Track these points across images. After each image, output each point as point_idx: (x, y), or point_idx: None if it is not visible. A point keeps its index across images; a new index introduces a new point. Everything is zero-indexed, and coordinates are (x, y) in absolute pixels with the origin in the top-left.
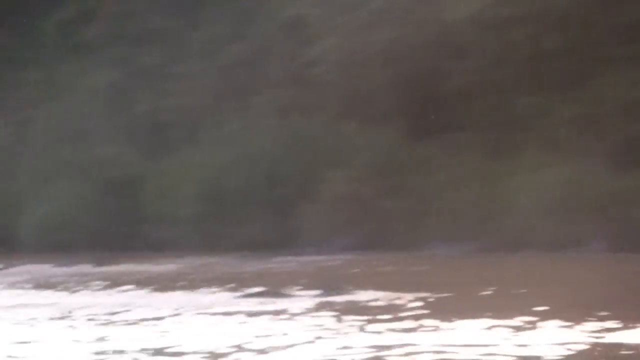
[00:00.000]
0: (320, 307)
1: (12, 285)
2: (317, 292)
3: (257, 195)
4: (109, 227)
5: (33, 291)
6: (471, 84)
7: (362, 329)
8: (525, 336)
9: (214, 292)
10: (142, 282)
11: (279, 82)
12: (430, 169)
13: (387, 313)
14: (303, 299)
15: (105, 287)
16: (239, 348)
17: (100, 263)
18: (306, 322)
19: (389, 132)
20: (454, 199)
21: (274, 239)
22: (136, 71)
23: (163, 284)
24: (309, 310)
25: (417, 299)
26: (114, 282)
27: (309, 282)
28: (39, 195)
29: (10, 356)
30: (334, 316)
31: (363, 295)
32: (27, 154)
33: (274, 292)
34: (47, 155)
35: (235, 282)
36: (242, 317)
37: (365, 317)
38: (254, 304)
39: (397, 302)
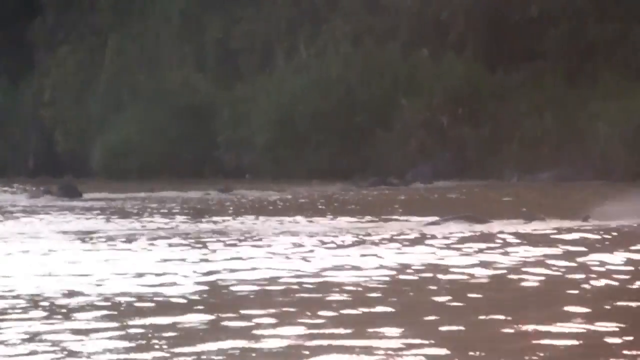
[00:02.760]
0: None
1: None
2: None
3: (330, 122)
4: (182, 154)
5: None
6: (548, 10)
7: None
8: None
9: (401, 221)
10: (287, 209)
11: (352, 8)
12: (506, 96)
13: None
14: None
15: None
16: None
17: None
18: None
19: (465, 60)
20: (531, 127)
21: (347, 167)
22: None
23: (319, 211)
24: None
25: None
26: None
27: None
28: (110, 121)
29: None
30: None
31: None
32: (99, 80)
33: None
34: (119, 81)
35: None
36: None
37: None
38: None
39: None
